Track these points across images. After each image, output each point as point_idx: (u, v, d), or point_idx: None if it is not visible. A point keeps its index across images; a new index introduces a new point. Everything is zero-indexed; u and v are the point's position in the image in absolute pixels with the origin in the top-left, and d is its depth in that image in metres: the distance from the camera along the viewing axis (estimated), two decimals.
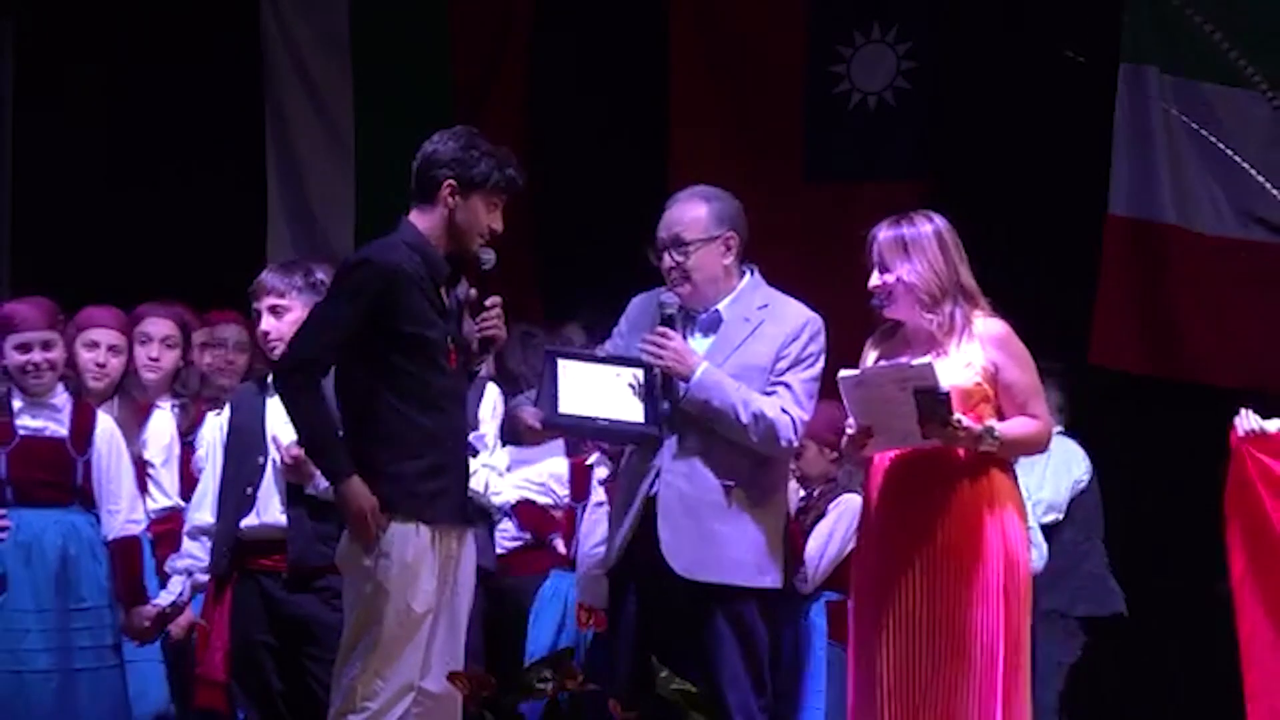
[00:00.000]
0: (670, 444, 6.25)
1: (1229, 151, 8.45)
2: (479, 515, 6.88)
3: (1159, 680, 8.69)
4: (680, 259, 6.30)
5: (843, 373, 6.06)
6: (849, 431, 6.09)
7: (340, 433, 5.81)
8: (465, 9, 10.12)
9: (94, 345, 7.22)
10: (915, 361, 6.00)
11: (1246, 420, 6.29)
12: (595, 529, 7.05)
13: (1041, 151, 8.80)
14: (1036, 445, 6.19)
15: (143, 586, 6.97)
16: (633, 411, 6.23)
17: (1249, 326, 8.48)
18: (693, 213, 6.34)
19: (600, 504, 7.10)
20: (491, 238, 5.92)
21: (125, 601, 6.92)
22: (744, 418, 6.17)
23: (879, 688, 5.98)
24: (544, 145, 9.83)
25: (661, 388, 6.22)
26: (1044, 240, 8.77)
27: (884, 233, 6.11)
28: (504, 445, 7.21)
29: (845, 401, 6.03)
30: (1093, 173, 8.69)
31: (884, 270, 6.09)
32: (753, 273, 6.43)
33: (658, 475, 6.25)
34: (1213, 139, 8.48)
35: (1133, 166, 8.68)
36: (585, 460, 7.40)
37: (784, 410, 6.21)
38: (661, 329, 6.26)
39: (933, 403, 5.86)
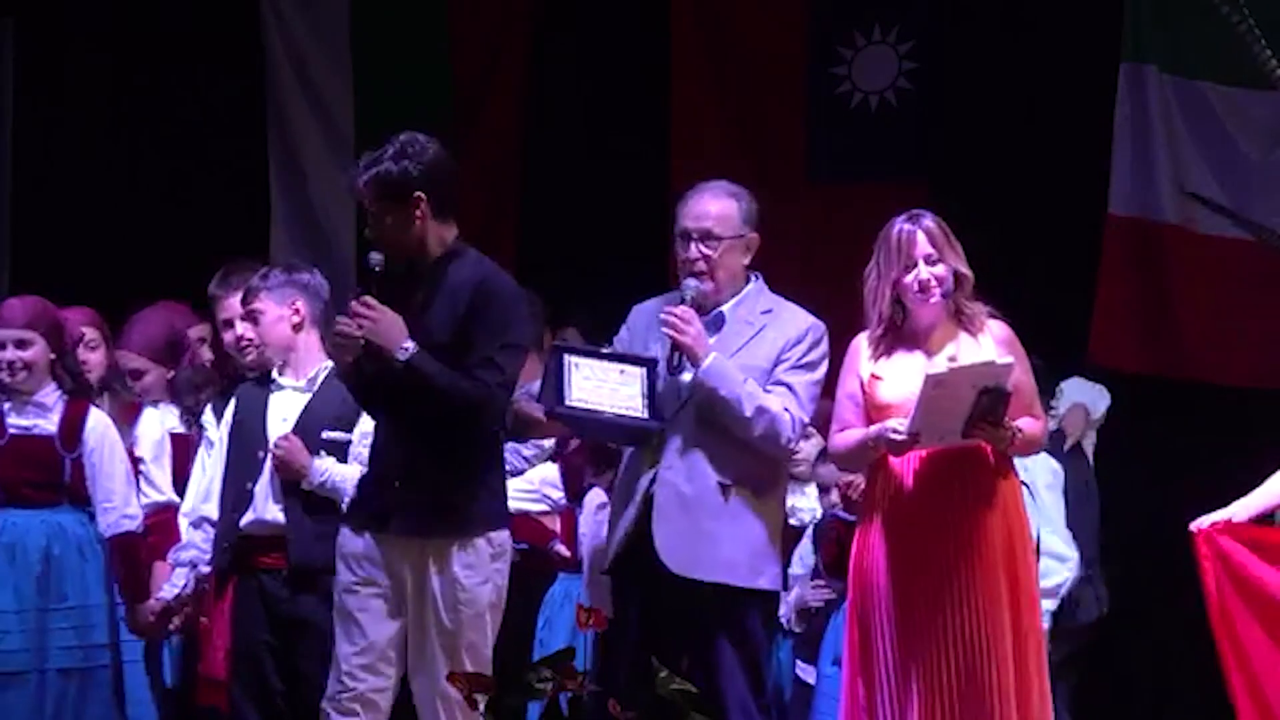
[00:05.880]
0: (670, 443, 6.26)
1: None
2: None
3: (1157, 680, 8.69)
4: (709, 253, 6.27)
5: (929, 371, 5.89)
6: (895, 435, 5.93)
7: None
8: (465, 9, 10.14)
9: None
10: (1000, 360, 5.90)
11: (1207, 519, 6.30)
12: (600, 530, 7.04)
13: (1041, 151, 8.80)
14: (1039, 444, 6.20)
15: (145, 582, 6.96)
16: (636, 407, 6.24)
17: (1248, 326, 8.48)
18: (724, 208, 6.30)
19: (603, 505, 7.07)
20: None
21: (128, 598, 6.92)
22: (749, 410, 6.15)
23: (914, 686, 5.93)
24: (544, 145, 9.84)
25: (671, 368, 6.21)
26: (1044, 240, 8.77)
27: (927, 223, 6.01)
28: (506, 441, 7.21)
29: (919, 401, 5.85)
30: (1093, 173, 8.69)
31: (937, 261, 6.00)
32: (758, 278, 6.42)
33: (656, 474, 6.26)
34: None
35: (1133, 166, 8.68)
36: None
37: (785, 409, 6.21)
38: (687, 308, 6.23)
39: (994, 402, 5.81)
